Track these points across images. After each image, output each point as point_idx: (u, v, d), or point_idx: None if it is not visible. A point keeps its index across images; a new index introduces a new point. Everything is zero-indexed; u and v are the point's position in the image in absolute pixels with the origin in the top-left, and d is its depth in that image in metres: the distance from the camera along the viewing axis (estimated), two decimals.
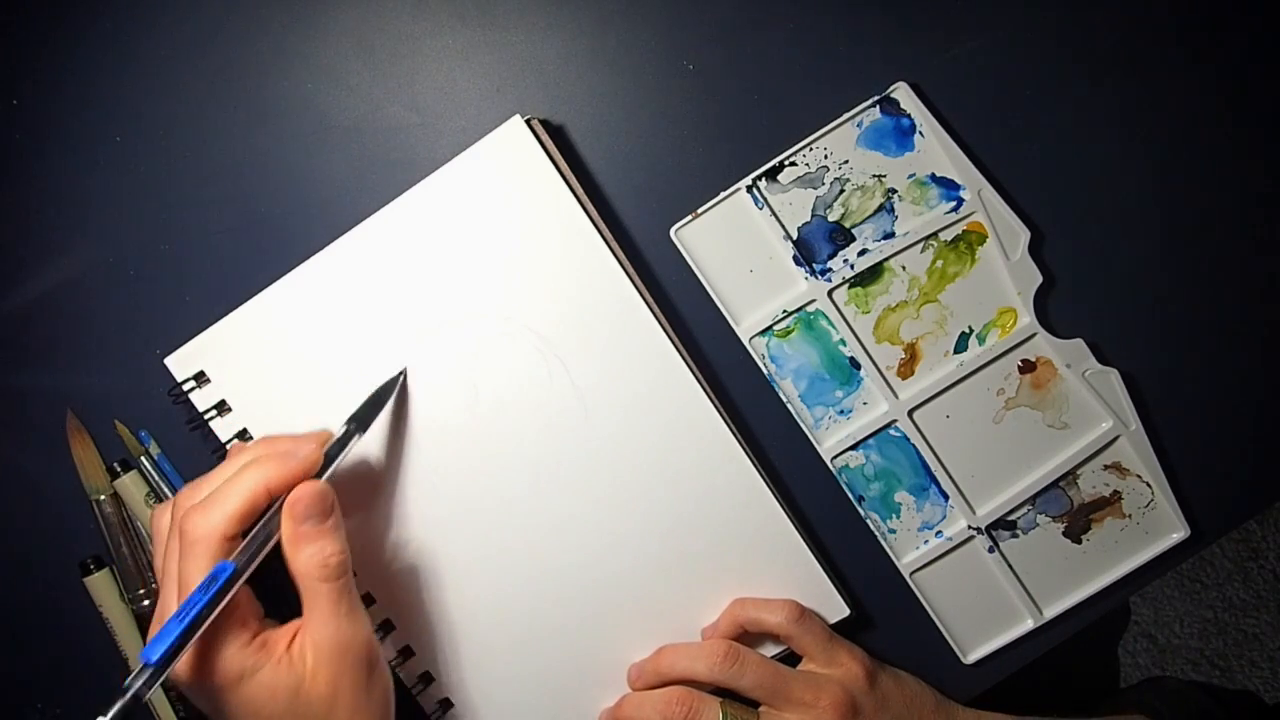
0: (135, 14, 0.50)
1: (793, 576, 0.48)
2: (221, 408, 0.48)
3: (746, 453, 0.48)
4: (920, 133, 0.47)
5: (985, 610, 0.50)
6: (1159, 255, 0.49)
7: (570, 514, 0.48)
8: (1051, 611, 0.49)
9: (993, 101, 0.48)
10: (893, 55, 0.48)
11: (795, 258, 0.48)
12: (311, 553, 0.39)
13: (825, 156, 0.48)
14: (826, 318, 0.48)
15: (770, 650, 0.49)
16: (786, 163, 0.48)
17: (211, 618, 0.36)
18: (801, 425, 0.49)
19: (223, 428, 0.48)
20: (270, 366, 0.48)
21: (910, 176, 0.48)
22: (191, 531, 0.38)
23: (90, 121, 0.50)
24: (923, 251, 0.48)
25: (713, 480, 0.48)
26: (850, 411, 0.49)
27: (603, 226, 0.47)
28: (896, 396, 0.48)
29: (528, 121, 0.46)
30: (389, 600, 0.48)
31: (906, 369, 0.49)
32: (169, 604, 0.38)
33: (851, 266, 0.48)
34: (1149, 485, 0.49)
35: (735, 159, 0.48)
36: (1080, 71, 0.48)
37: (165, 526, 0.41)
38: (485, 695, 0.49)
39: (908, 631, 0.50)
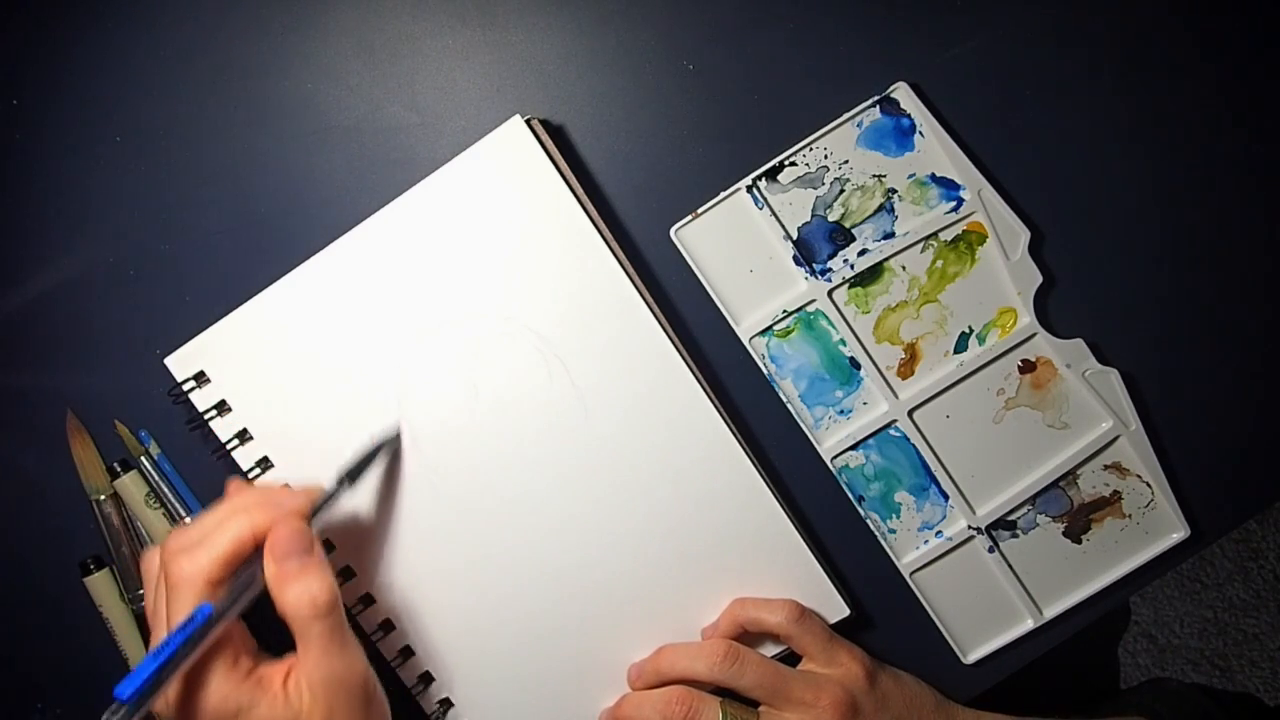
0: (135, 14, 0.50)
1: (793, 576, 0.48)
2: (221, 408, 0.48)
3: (746, 453, 0.48)
4: (920, 133, 0.47)
5: (985, 610, 0.50)
6: (1159, 255, 0.49)
7: (570, 514, 0.48)
8: (1051, 611, 0.49)
9: (993, 101, 0.48)
10: (893, 55, 0.48)
11: (795, 258, 0.48)
12: (299, 591, 0.39)
13: (825, 156, 0.48)
14: (826, 318, 0.48)
15: (770, 650, 0.49)
16: (786, 163, 0.48)
17: (193, 657, 0.37)
18: (801, 425, 0.49)
19: (223, 428, 0.48)
20: (270, 366, 0.48)
21: (910, 176, 0.48)
22: (177, 574, 0.39)
23: (90, 121, 0.50)
24: (923, 251, 0.48)
25: (713, 480, 0.48)
26: (850, 411, 0.49)
27: (603, 226, 0.47)
28: (896, 396, 0.48)
29: (528, 121, 0.46)
30: (388, 600, 0.48)
31: (906, 369, 0.49)
32: (156, 644, 0.39)
33: (851, 266, 0.48)
34: (1149, 485, 0.49)
35: (735, 159, 0.48)
36: (1080, 71, 0.48)
37: (155, 569, 0.41)
38: (485, 695, 0.49)
39: (908, 631, 0.50)
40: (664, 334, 0.47)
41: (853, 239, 0.48)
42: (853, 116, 0.47)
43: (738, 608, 0.48)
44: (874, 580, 0.50)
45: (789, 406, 0.49)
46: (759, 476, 0.48)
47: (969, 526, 0.49)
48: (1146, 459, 0.48)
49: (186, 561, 0.39)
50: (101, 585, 0.51)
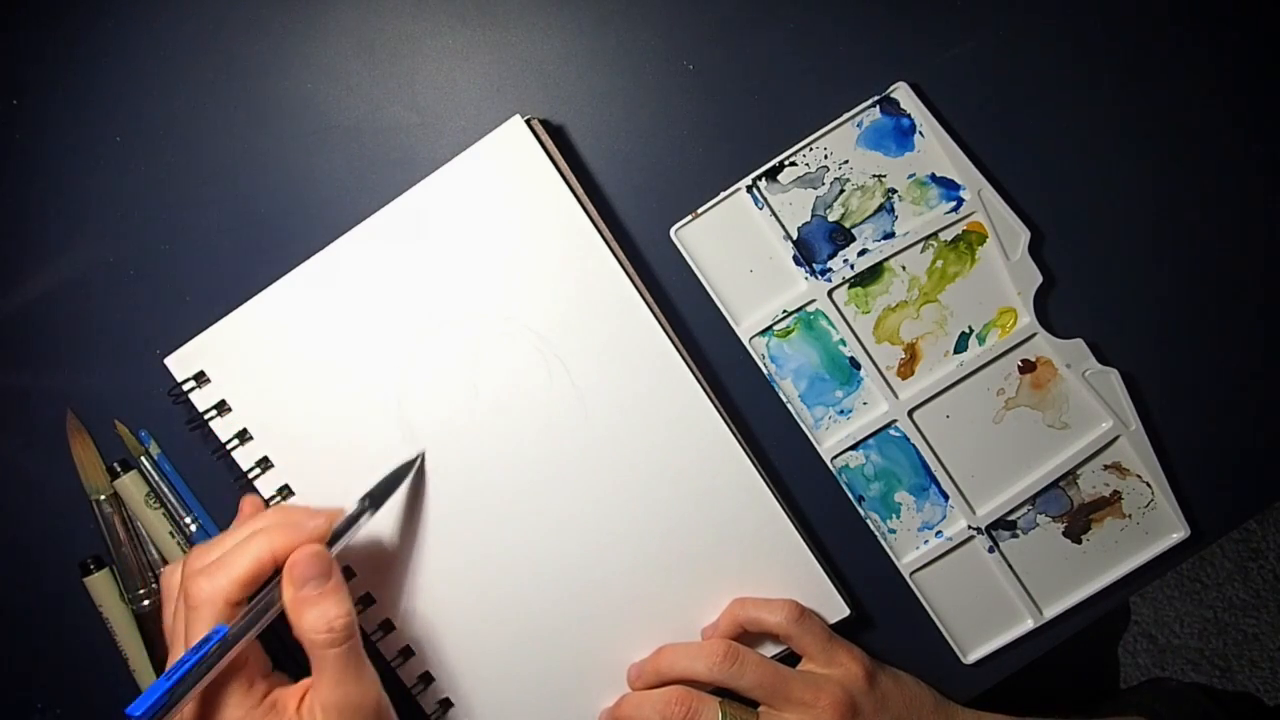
0: (135, 14, 0.50)
1: (793, 576, 0.48)
2: (221, 408, 0.48)
3: (746, 453, 0.48)
4: (920, 133, 0.47)
5: (985, 610, 0.50)
6: (1159, 255, 0.49)
7: (570, 514, 0.48)
8: (1051, 611, 0.49)
9: (993, 101, 0.48)
10: (893, 55, 0.48)
11: (795, 258, 0.48)
12: (315, 617, 0.39)
13: (825, 156, 0.48)
14: (826, 318, 0.48)
15: (770, 650, 0.49)
16: (786, 163, 0.48)
17: (208, 678, 0.37)
18: (801, 425, 0.49)
19: (223, 428, 0.48)
20: (270, 366, 0.48)
21: (910, 176, 0.48)
22: (196, 595, 0.39)
23: (90, 121, 0.50)
24: (923, 251, 0.48)
25: (713, 480, 0.48)
26: (850, 411, 0.49)
27: (603, 226, 0.47)
28: (896, 396, 0.48)
29: (528, 121, 0.46)
30: (388, 600, 0.48)
31: (906, 369, 0.49)
32: (172, 663, 0.39)
33: (851, 266, 0.48)
34: (1149, 485, 0.49)
35: (735, 159, 0.48)
36: (1080, 71, 0.48)
37: (175, 586, 0.42)
38: (485, 695, 0.49)
39: (908, 631, 0.50)
40: (664, 334, 0.47)
41: (853, 239, 0.48)
42: (853, 116, 0.47)
43: (737, 608, 0.48)
44: (874, 580, 0.50)
45: (789, 406, 0.49)
46: (759, 476, 0.48)
47: (969, 526, 0.49)
48: (1146, 459, 0.48)
49: (206, 582, 0.39)
50: (101, 585, 0.51)
